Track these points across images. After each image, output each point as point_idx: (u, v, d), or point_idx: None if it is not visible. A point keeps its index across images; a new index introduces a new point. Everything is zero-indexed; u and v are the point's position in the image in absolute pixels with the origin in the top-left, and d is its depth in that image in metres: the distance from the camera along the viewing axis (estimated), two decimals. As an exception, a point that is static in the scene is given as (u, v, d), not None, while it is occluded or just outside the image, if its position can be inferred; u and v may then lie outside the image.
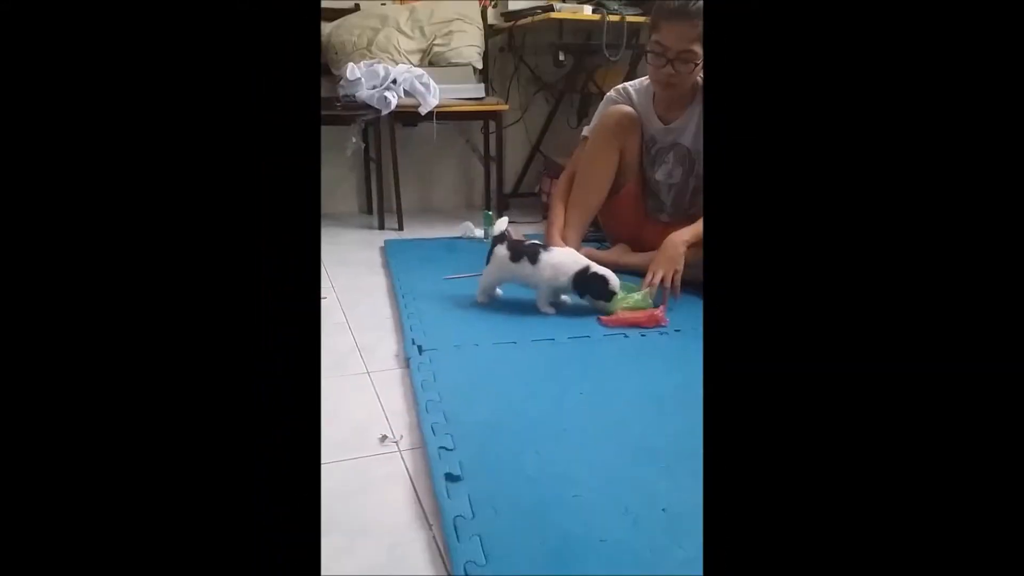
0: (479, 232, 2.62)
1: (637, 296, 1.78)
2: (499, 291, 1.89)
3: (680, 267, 1.82)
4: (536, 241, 1.83)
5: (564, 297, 1.83)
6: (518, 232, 1.89)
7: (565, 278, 1.74)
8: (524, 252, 1.76)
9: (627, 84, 2.19)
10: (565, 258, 1.77)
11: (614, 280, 1.74)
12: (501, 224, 1.85)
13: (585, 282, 1.74)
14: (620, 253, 2.20)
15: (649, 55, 1.94)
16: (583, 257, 1.79)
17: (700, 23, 1.81)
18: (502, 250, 1.78)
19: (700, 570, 0.81)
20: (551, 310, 1.78)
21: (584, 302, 1.79)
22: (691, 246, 1.85)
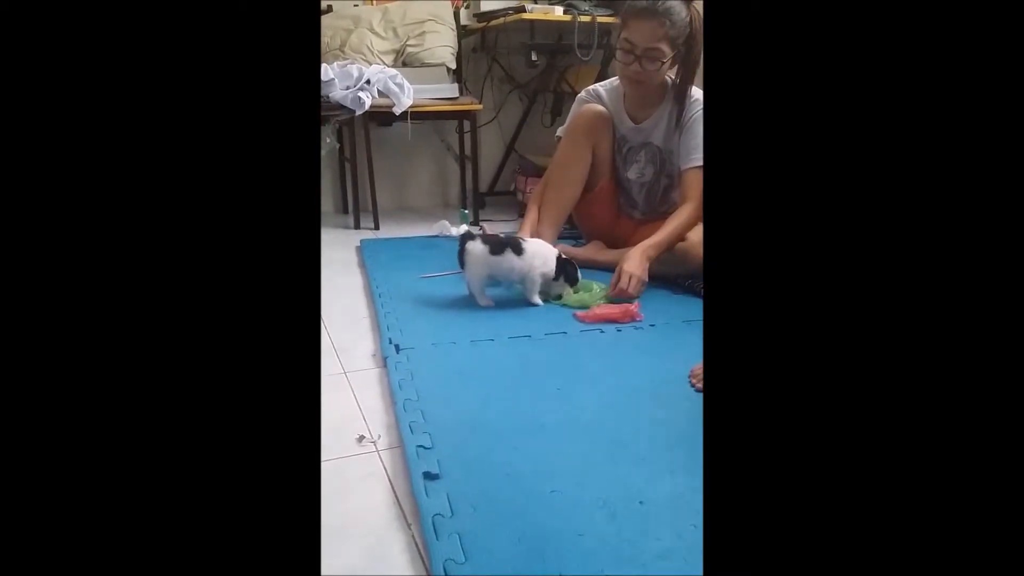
0: (455, 230, 2.62)
1: (596, 289, 1.86)
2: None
3: (644, 276, 1.86)
4: (510, 233, 1.86)
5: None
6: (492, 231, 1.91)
7: (550, 264, 1.80)
8: (506, 244, 1.78)
9: (597, 85, 2.22)
10: (543, 247, 1.82)
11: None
12: (449, 226, 1.88)
13: (562, 266, 1.81)
14: (595, 250, 2.22)
15: (618, 52, 1.97)
16: (549, 244, 1.88)
17: (667, 22, 1.86)
18: (477, 246, 1.77)
19: (679, 561, 0.82)
20: (539, 300, 1.83)
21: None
22: (656, 253, 1.90)
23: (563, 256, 1.82)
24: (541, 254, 1.80)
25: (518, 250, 1.77)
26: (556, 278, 1.81)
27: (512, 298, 1.85)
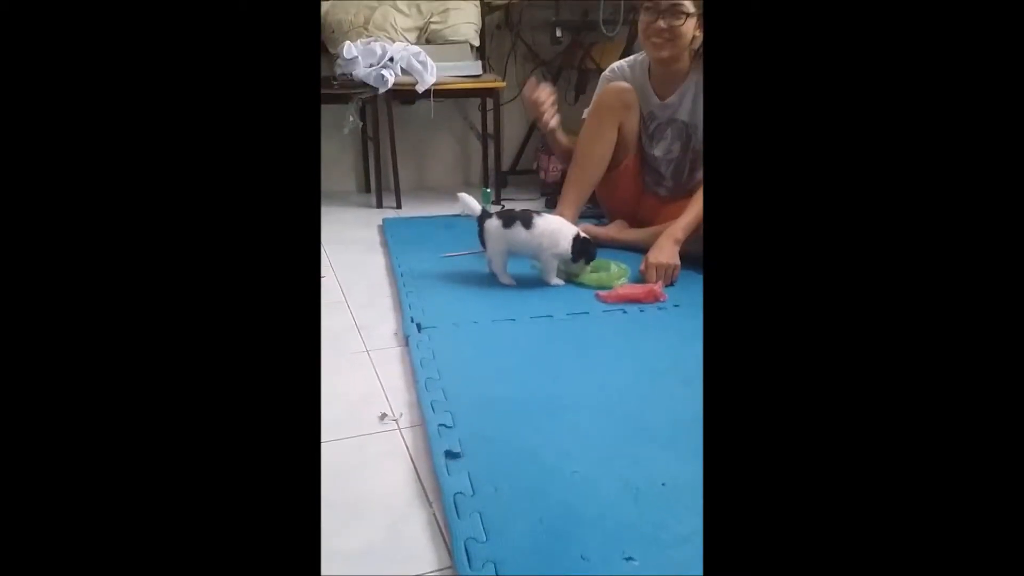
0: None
1: (614, 269, 1.84)
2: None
3: (676, 261, 1.84)
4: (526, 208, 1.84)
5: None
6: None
7: (566, 242, 1.76)
8: (516, 217, 1.77)
9: (622, 61, 2.19)
10: (560, 224, 1.79)
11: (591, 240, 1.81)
12: (472, 203, 1.84)
13: (582, 245, 1.77)
14: (618, 229, 2.20)
15: (642, 14, 1.97)
16: (569, 223, 1.84)
17: None
18: (493, 223, 1.78)
19: (700, 543, 0.82)
20: (560, 281, 1.81)
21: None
22: (684, 236, 1.88)
23: (582, 235, 1.78)
24: (551, 231, 1.76)
25: (527, 223, 1.75)
26: (574, 259, 1.78)
27: (534, 277, 1.84)
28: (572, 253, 1.76)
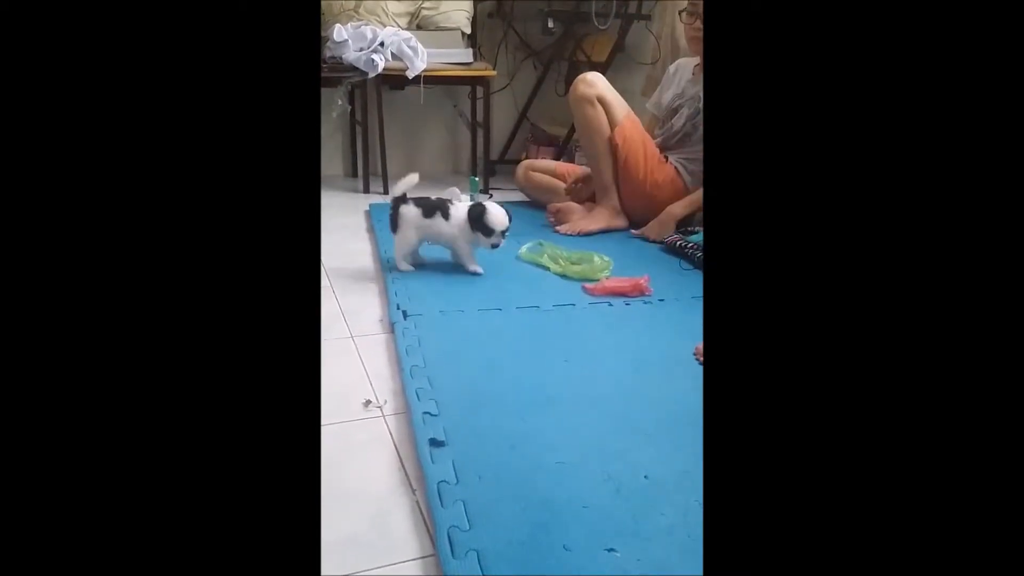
0: (465, 198, 2.61)
1: (597, 261, 1.84)
2: (423, 256, 1.89)
3: (670, 231, 2.13)
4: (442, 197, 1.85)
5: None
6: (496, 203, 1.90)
7: (463, 219, 1.76)
8: (436, 207, 1.78)
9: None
10: (462, 206, 1.79)
11: (494, 213, 1.75)
12: (408, 182, 1.81)
13: (472, 211, 1.76)
14: (587, 219, 2.32)
15: (684, 16, 2.26)
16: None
17: None
18: (411, 209, 1.78)
19: (682, 537, 0.83)
20: (479, 268, 1.81)
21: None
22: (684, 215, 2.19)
23: (478, 206, 1.77)
24: (458, 216, 1.77)
25: (446, 214, 1.76)
26: (472, 228, 1.75)
27: (520, 268, 1.84)
28: (469, 223, 1.75)
